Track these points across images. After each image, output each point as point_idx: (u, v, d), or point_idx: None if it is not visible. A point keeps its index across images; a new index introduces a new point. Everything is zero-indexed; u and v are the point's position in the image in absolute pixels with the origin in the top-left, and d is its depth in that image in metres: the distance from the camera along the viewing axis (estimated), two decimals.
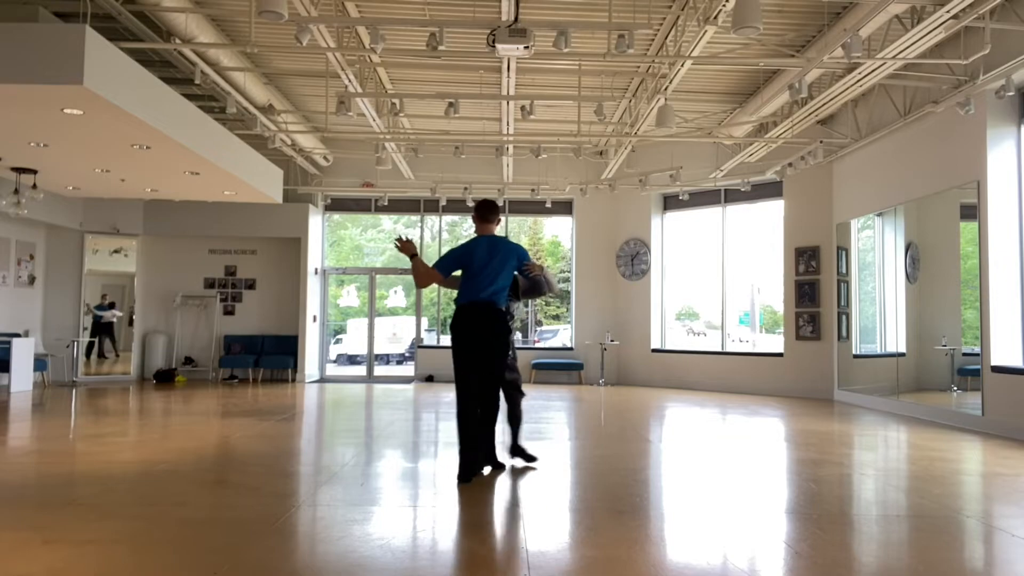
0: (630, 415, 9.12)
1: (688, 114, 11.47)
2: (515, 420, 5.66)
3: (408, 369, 16.31)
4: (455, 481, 5.03)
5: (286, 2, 6.06)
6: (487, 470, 5.35)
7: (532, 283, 5.56)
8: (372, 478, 5.26)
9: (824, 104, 9.27)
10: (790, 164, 10.79)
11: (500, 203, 13.44)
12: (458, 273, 5.36)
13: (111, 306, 13.47)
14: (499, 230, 5.62)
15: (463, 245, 5.36)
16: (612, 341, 13.78)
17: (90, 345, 13.29)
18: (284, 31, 8.45)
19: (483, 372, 5.15)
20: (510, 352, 5.51)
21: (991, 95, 7.74)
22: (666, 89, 8.79)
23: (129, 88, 6.76)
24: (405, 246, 5.31)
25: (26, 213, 9.88)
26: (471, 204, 13.39)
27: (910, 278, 9.52)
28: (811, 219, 11.58)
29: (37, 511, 4.22)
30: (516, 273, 5.41)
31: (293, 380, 13.44)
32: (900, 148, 9.46)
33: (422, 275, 5.38)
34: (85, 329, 12.95)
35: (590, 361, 13.84)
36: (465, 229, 18.59)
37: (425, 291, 14.97)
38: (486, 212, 5.44)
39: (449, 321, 5.39)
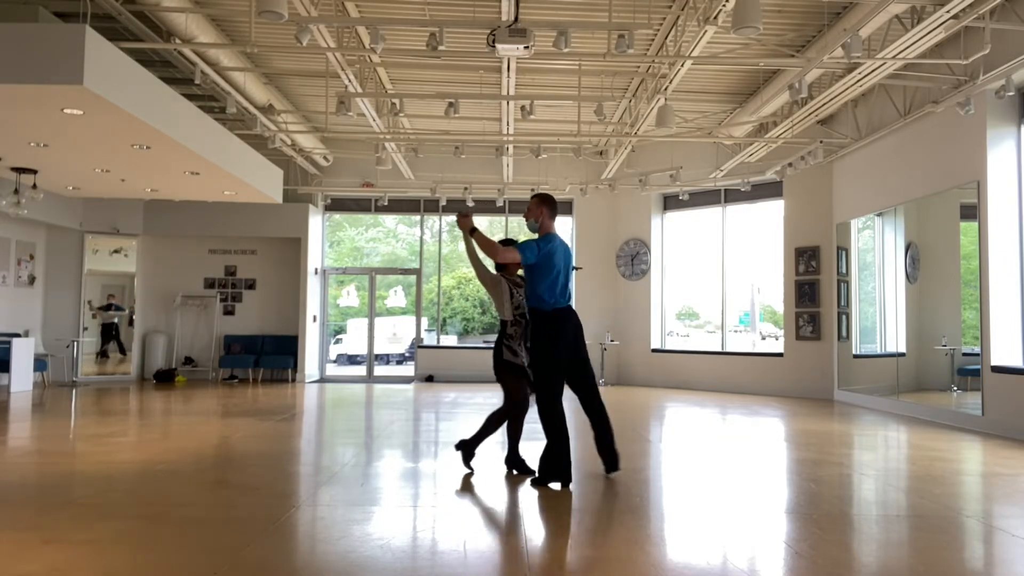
0: (630, 415, 9.12)
1: (688, 114, 11.47)
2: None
3: (408, 369, 16.30)
4: (560, 485, 4.91)
5: (286, 2, 6.06)
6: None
7: None
8: (372, 478, 5.26)
9: (824, 104, 9.27)
10: (790, 164, 10.79)
11: (500, 203, 13.65)
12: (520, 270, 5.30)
13: (110, 307, 13.48)
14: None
15: (548, 240, 5.10)
16: (612, 341, 13.78)
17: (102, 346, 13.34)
18: (284, 31, 8.44)
19: (587, 374, 5.23)
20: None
21: (991, 95, 7.73)
22: (666, 89, 8.79)
23: (129, 88, 6.75)
24: (463, 221, 5.14)
25: (26, 213, 9.88)
26: (471, 204, 13.41)
27: (910, 278, 9.52)
28: (811, 219, 11.58)
29: (37, 511, 4.22)
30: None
31: (293, 380, 13.44)
32: (900, 148, 9.45)
33: (499, 251, 5.07)
34: (86, 329, 12.94)
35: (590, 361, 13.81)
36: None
37: (425, 291, 14.99)
38: (555, 208, 5.24)
39: (522, 328, 5.25)
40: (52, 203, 11.37)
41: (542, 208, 5.17)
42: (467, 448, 5.48)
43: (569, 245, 5.42)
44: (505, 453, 5.53)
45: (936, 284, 9.13)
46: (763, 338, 14.54)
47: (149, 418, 8.54)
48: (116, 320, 13.54)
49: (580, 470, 5.54)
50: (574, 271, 5.59)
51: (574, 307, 5.33)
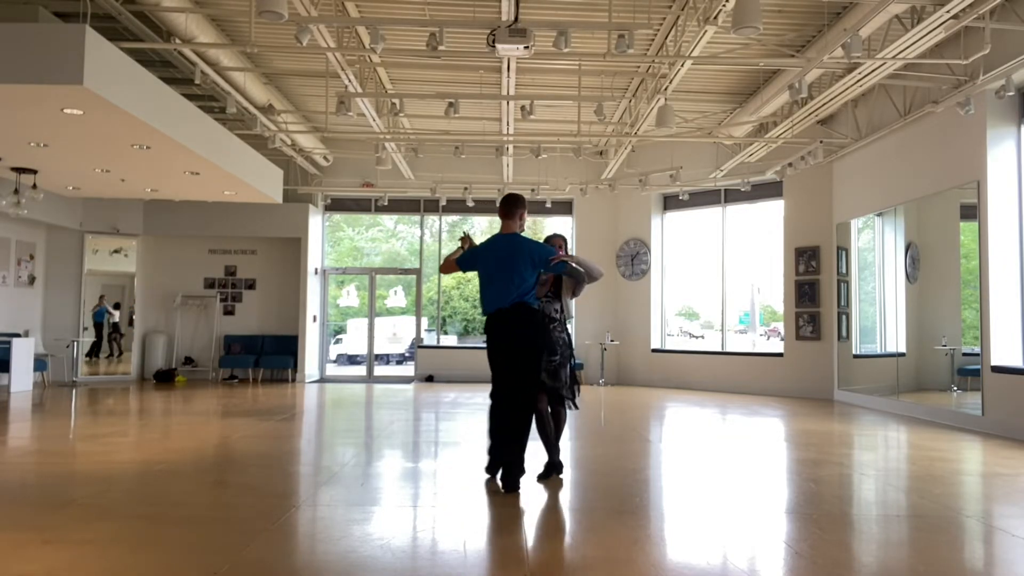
0: (630, 415, 9.12)
1: (688, 114, 11.46)
2: (546, 433, 5.15)
3: (408, 369, 16.29)
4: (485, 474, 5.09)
5: (286, 2, 6.06)
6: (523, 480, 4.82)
7: (571, 275, 5.21)
8: (372, 478, 5.26)
9: (824, 104, 9.26)
10: (790, 164, 10.79)
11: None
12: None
13: (117, 305, 13.52)
14: (498, 229, 5.27)
15: (481, 246, 5.13)
16: (612, 341, 13.78)
17: (95, 345, 13.31)
18: (284, 31, 8.44)
19: (514, 379, 4.81)
20: (554, 356, 5.09)
21: (991, 95, 7.73)
22: (666, 89, 8.78)
23: (129, 88, 6.75)
24: (463, 240, 5.27)
25: (26, 213, 9.88)
26: (471, 204, 13.42)
27: (910, 278, 9.52)
28: (811, 219, 11.58)
29: (37, 511, 4.22)
30: (543, 271, 5.00)
31: (293, 380, 13.44)
32: (900, 148, 9.45)
33: (445, 263, 5.31)
34: (86, 329, 12.94)
35: (590, 361, 13.83)
36: (467, 229, 18.59)
37: (425, 290, 15.03)
38: (504, 206, 5.04)
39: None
40: (52, 203, 11.37)
41: (500, 210, 5.11)
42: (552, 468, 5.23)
43: (529, 239, 5.06)
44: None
45: (936, 284, 9.12)
46: (781, 338, 14.51)
47: (149, 418, 8.54)
48: (117, 318, 13.54)
49: (579, 470, 5.54)
50: (563, 268, 5.11)
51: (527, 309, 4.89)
